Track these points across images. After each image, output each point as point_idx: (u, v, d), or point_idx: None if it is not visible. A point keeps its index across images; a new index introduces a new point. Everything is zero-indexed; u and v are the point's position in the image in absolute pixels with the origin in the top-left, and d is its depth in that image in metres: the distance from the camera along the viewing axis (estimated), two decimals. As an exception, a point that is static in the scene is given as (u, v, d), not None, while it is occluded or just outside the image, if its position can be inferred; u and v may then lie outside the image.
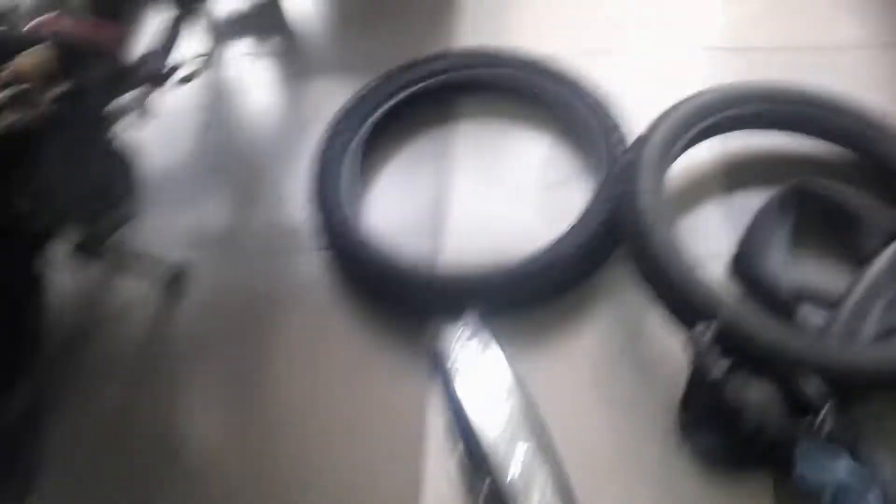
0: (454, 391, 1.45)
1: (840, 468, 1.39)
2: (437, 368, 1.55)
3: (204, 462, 1.62)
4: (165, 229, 1.95)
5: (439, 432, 1.53)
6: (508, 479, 1.36)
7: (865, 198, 1.76)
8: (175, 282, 1.83)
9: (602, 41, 2.22)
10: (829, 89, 1.83)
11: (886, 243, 1.67)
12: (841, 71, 2.03)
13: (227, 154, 2.11)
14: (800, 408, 1.40)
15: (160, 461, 1.61)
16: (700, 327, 1.44)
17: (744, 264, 1.71)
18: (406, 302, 1.70)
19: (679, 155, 1.73)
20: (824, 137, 1.84)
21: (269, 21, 2.44)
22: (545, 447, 1.39)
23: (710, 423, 1.49)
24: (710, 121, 1.76)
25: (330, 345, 1.74)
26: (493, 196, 1.93)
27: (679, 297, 1.51)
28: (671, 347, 1.60)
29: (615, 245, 1.73)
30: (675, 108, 1.76)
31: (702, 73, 2.09)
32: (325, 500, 1.52)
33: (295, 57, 2.33)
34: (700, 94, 1.79)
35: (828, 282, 1.68)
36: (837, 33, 2.15)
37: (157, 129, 2.07)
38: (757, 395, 1.42)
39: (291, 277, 1.86)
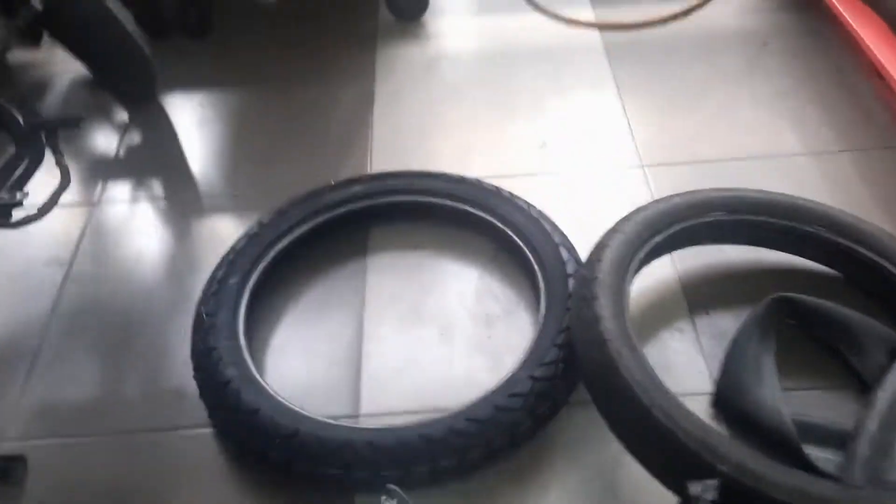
0: None
1: None
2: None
3: None
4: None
5: None
6: None
7: (852, 312, 1.51)
8: (10, 478, 1.40)
9: (526, 164, 1.99)
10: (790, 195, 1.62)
11: (891, 359, 1.41)
12: (785, 178, 1.85)
13: (92, 311, 1.72)
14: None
15: None
16: (697, 487, 1.11)
17: (730, 401, 1.42)
18: (315, 478, 1.31)
19: (636, 273, 1.46)
20: (798, 252, 1.62)
21: (158, 159, 2.15)
22: None
23: None
24: (669, 232, 1.50)
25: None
26: (418, 339, 1.60)
27: (664, 446, 1.18)
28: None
29: (571, 388, 1.42)
30: (626, 220, 1.51)
31: (639, 190, 1.88)
32: None
33: (182, 197, 2.01)
34: (654, 203, 1.56)
35: (829, 412, 1.40)
36: (779, 144, 1.99)
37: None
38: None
39: (172, 458, 1.45)
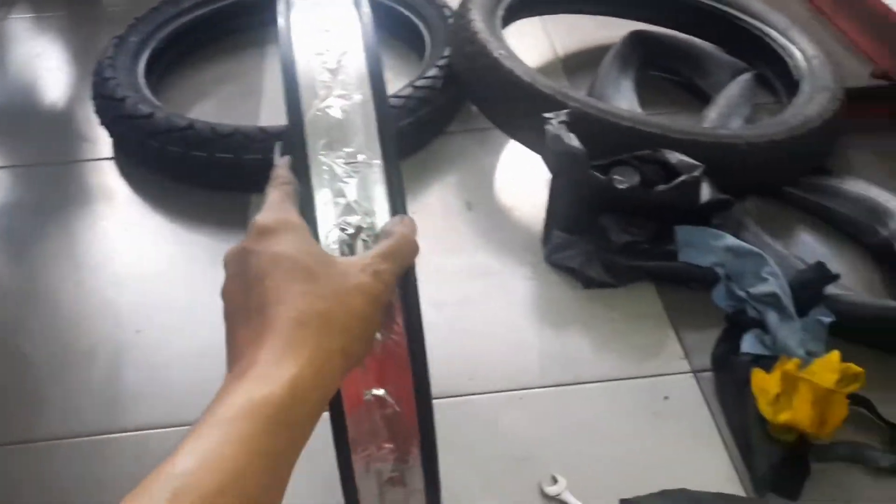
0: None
1: (726, 247, 1.20)
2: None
3: None
4: None
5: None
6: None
7: (702, 43, 1.70)
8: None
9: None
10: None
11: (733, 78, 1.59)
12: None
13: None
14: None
15: None
16: (551, 114, 1.25)
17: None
18: (210, 163, 1.40)
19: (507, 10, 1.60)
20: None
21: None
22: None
23: (577, 224, 1.28)
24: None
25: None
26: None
27: (524, 98, 1.32)
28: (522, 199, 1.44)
29: (451, 106, 1.57)
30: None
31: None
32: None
33: (88, 15, 2.08)
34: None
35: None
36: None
37: None
38: (621, 174, 1.23)
39: (80, 184, 1.53)
